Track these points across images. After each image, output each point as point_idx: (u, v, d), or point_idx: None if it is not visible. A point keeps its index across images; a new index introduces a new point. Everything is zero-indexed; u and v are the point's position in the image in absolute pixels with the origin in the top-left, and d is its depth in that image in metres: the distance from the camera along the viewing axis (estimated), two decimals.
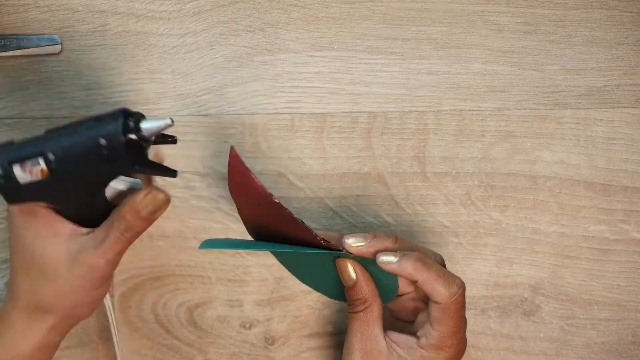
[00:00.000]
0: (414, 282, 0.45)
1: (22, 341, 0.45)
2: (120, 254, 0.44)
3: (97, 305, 0.47)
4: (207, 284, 0.54)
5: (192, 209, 0.54)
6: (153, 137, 0.41)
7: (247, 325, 0.55)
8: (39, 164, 0.40)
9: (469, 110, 0.55)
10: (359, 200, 0.55)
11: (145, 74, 0.53)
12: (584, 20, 0.55)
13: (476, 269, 0.55)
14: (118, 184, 0.43)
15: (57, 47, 0.52)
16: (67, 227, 0.44)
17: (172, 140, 0.44)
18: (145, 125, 0.40)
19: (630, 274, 0.56)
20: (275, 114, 0.54)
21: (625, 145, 0.55)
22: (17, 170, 0.41)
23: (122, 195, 0.43)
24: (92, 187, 0.42)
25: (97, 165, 0.40)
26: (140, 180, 0.44)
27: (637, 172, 0.55)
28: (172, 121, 0.40)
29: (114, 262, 0.44)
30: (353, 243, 0.45)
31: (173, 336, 0.54)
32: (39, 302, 0.44)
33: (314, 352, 0.56)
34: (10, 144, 0.41)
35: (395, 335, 0.46)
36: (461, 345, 0.45)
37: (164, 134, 0.43)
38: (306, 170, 0.54)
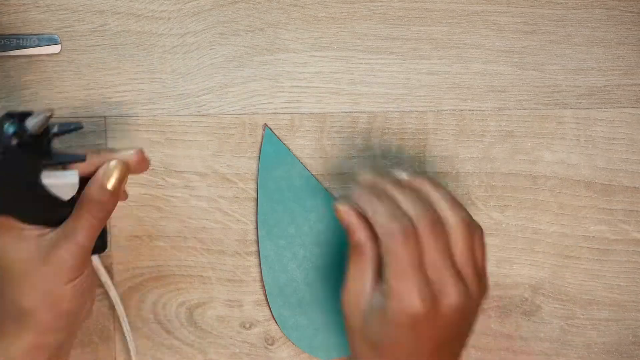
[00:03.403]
0: None
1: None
2: (93, 238, 0.44)
3: (87, 300, 0.46)
4: (207, 284, 0.54)
5: (192, 209, 0.54)
6: (52, 131, 0.43)
7: (247, 326, 0.55)
8: None
9: (469, 110, 0.55)
10: None
11: (145, 74, 0.53)
12: (584, 20, 0.55)
13: None
14: (49, 179, 0.43)
15: (57, 47, 0.52)
16: (33, 230, 0.43)
17: (76, 127, 0.44)
18: (28, 124, 0.41)
19: (630, 274, 0.56)
20: (275, 113, 0.54)
21: (625, 145, 0.55)
22: None
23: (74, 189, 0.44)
24: (24, 189, 0.42)
25: (9, 170, 0.41)
26: (76, 171, 0.43)
27: (638, 172, 0.55)
28: (51, 112, 0.41)
29: (88, 249, 0.44)
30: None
31: (173, 336, 0.54)
32: (17, 307, 0.43)
33: None
34: None
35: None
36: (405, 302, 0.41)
37: (67, 124, 0.44)
38: None
